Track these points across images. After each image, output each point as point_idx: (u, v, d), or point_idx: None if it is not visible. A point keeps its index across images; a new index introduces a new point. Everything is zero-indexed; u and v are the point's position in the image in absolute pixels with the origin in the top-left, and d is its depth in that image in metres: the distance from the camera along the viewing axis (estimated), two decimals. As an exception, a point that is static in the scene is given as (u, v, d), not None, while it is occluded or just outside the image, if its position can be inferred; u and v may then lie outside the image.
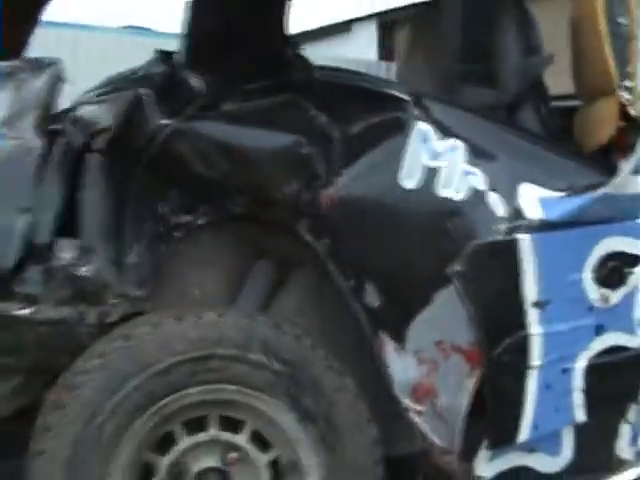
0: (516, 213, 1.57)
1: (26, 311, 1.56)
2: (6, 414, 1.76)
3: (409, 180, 1.55)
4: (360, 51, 13.51)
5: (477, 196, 1.55)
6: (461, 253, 1.49)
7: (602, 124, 1.69)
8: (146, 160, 1.61)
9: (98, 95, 1.76)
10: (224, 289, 1.70)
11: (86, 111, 1.70)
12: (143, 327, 1.45)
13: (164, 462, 1.44)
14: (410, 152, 1.56)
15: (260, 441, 1.48)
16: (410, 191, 1.55)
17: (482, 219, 1.55)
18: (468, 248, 1.49)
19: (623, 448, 1.72)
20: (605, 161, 1.68)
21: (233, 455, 1.46)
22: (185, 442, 1.44)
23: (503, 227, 1.55)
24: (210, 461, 1.45)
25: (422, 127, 1.57)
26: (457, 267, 1.49)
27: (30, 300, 1.57)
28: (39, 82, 1.68)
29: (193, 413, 1.46)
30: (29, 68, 1.70)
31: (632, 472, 1.76)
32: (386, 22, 13.76)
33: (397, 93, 1.62)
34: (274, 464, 1.48)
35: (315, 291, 1.71)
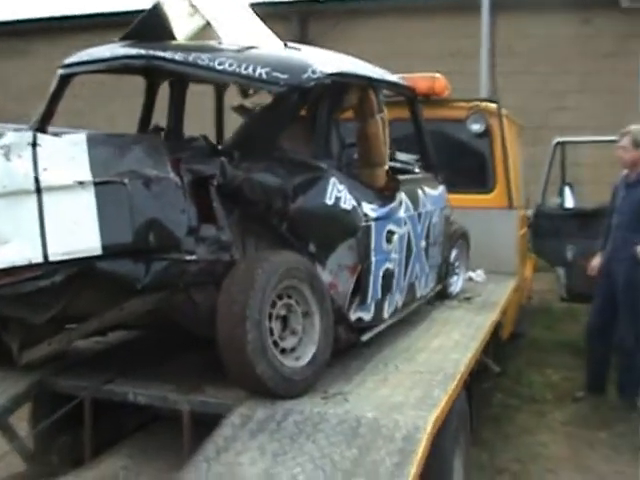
0: (365, 214, 4.04)
1: (192, 257, 3.48)
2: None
3: (329, 200, 3.86)
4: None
5: (353, 207, 3.96)
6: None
7: (380, 178, 4.28)
8: (229, 191, 3.64)
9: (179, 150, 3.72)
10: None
11: (193, 162, 3.62)
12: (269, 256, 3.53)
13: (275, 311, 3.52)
14: (329, 189, 3.88)
15: (297, 302, 3.65)
16: (330, 205, 3.87)
17: (357, 216, 3.98)
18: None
19: None
20: (383, 193, 4.28)
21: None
22: (279, 303, 3.55)
23: (364, 219, 4.01)
24: (283, 311, 3.59)
25: (332, 179, 3.91)
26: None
27: (190, 252, 3.48)
28: (157, 141, 3.60)
29: (283, 291, 3.55)
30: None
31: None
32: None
33: (321, 164, 3.93)
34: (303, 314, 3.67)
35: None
